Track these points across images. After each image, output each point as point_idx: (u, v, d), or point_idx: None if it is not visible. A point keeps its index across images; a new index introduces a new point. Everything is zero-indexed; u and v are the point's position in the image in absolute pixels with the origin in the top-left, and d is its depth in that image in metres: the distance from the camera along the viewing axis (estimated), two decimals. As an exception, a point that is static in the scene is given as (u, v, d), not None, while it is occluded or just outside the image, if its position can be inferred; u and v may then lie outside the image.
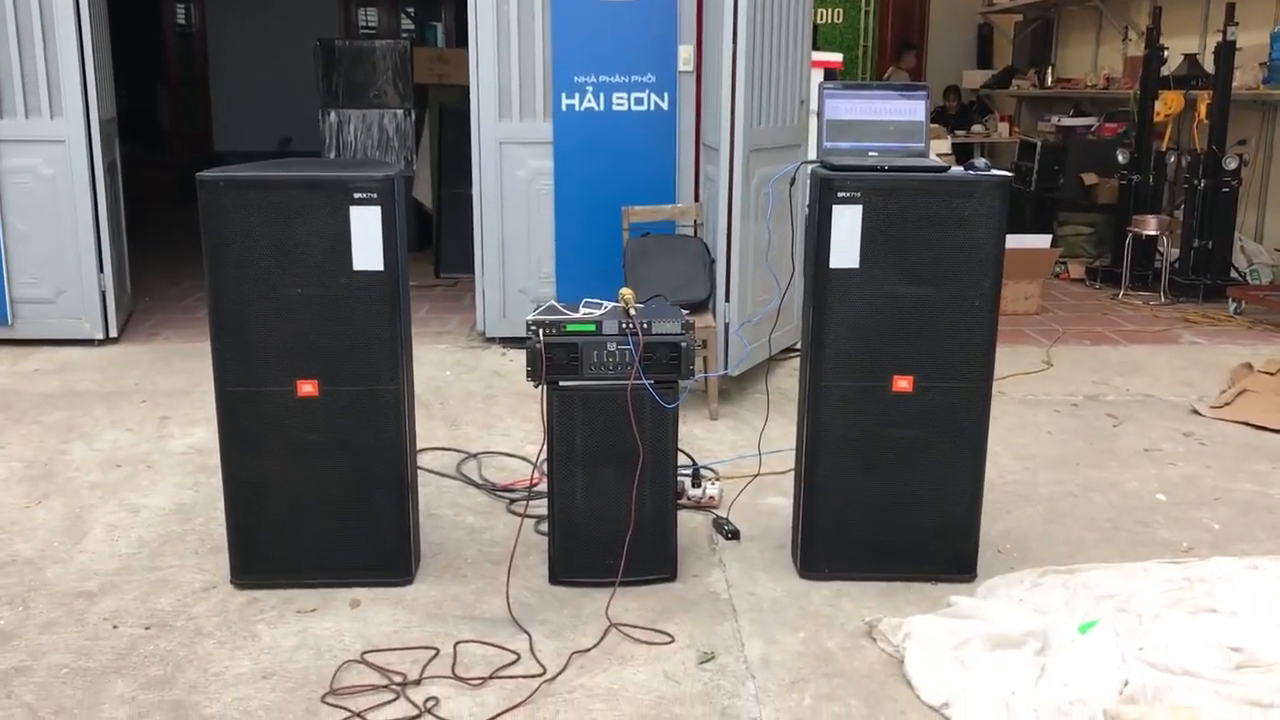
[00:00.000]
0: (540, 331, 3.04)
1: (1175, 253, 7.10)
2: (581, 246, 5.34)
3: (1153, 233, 7.05)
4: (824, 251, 3.03)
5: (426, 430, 4.42)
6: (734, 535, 3.51)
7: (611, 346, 3.04)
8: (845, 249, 3.03)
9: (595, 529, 3.14)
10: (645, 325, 3.04)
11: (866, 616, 2.96)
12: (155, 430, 4.49)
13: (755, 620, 3.01)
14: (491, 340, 5.69)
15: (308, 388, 3.05)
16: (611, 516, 3.12)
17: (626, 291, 3.20)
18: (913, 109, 3.21)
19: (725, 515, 3.60)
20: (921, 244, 3.02)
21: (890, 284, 3.04)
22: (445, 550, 3.42)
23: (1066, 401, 4.98)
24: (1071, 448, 4.41)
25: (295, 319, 3.01)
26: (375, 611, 3.05)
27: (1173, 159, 7.37)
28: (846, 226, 3.01)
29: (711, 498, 3.74)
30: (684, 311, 3.18)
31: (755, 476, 3.76)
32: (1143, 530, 3.64)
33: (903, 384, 3.10)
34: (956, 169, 3.10)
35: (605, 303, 3.19)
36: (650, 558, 3.17)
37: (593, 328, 3.05)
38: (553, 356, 3.03)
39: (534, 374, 3.05)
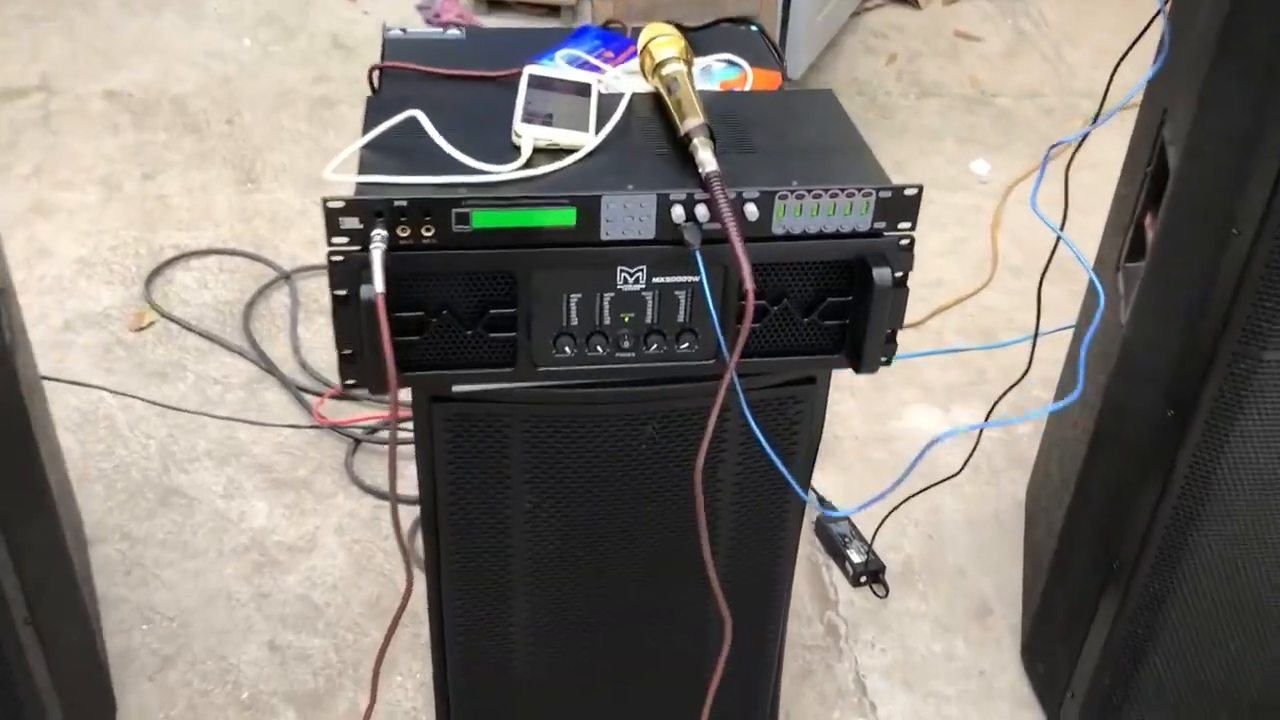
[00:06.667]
0: (376, 231, 0.82)
1: None
2: None
3: None
4: None
5: (191, 191, 2.20)
6: (872, 578, 1.53)
7: (631, 281, 0.86)
8: None
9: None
10: (745, 200, 0.84)
11: None
12: None
13: None
14: (333, -34, 3.20)
15: None
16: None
17: (658, 30, 0.95)
18: None
19: (855, 529, 1.58)
20: None
21: None
22: (186, 635, 1.39)
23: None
24: None
25: None
26: None
27: None
28: None
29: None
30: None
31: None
32: None
33: None
34: None
35: (583, 71, 0.95)
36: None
37: (571, 217, 0.83)
38: (428, 319, 0.85)
39: (357, 373, 0.87)
